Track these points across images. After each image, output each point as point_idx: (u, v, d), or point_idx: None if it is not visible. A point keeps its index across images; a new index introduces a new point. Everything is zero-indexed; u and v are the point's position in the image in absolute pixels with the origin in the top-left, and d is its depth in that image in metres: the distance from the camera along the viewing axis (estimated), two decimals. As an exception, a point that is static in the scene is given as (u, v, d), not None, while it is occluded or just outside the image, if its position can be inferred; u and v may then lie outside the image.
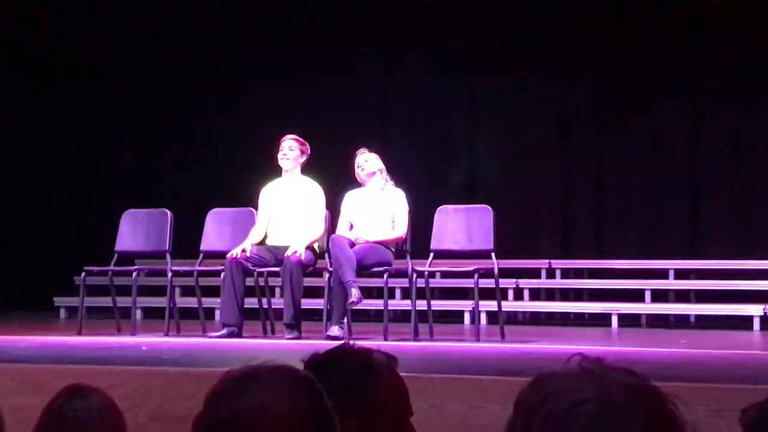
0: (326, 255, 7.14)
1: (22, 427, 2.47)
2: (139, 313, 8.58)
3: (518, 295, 9.60)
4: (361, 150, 7.33)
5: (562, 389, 1.02)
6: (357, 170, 7.30)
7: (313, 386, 1.41)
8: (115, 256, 7.74)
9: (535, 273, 9.86)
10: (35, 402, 2.42)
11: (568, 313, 9.63)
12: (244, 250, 7.13)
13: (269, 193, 7.47)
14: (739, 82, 9.65)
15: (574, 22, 10.07)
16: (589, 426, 0.99)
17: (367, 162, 7.26)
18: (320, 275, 7.49)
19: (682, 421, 1.02)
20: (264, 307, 7.50)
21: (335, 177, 7.64)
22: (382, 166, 7.31)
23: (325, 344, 6.48)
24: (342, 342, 2.09)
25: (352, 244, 7.01)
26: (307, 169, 7.47)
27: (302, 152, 7.39)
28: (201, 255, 7.67)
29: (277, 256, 7.17)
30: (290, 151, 7.36)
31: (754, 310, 8.54)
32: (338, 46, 10.60)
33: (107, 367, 4.63)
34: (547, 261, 9.83)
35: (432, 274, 7.61)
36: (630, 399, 1.01)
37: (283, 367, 1.43)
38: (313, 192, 7.36)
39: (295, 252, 7.00)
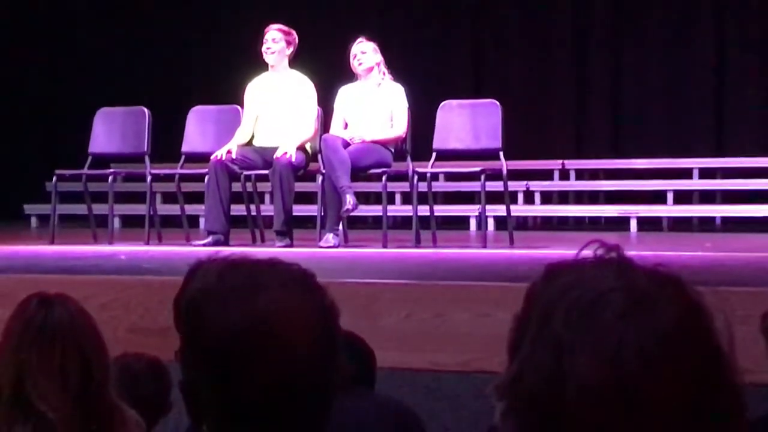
0: (319, 156, 7.10)
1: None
2: (116, 221, 8.59)
3: (528, 198, 9.59)
4: (359, 39, 7.22)
5: (584, 279, 1.00)
6: (353, 61, 7.20)
7: (313, 281, 1.39)
8: (89, 158, 7.69)
9: (547, 174, 9.84)
10: (2, 314, 2.41)
11: (583, 218, 9.64)
12: (229, 152, 7.07)
13: (255, 90, 7.38)
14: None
15: None
16: (620, 316, 0.97)
17: (365, 54, 7.16)
18: (313, 179, 7.47)
19: (711, 314, 1.01)
20: (252, 213, 7.49)
21: (328, 69, 7.56)
22: (380, 58, 7.21)
23: (319, 252, 6.51)
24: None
25: (347, 145, 6.97)
26: (295, 61, 7.35)
27: (288, 43, 7.25)
28: (182, 157, 7.62)
29: (265, 158, 7.12)
30: (274, 43, 7.22)
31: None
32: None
33: (82, 277, 4.63)
34: (560, 161, 9.80)
35: (435, 177, 7.59)
36: (660, 289, 1.00)
37: (277, 263, 1.39)
38: (304, 87, 7.27)
39: (285, 153, 6.95)
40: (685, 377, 0.97)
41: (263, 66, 7.35)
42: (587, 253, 1.04)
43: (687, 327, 0.99)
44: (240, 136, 7.28)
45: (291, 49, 7.27)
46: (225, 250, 1.47)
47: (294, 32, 7.28)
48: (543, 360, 0.99)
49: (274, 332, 1.31)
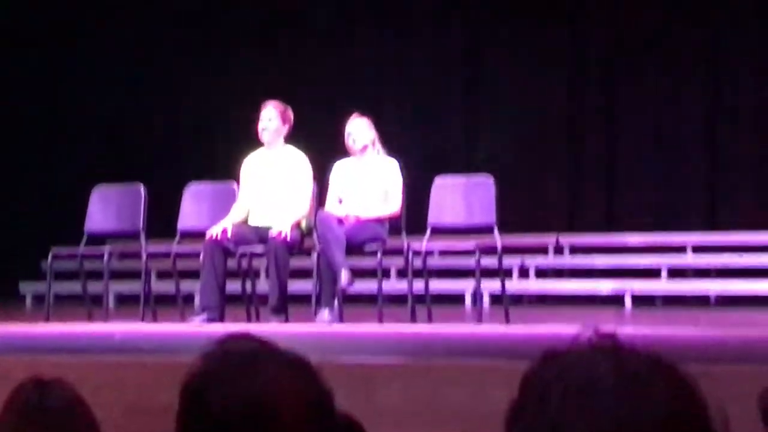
0: (313, 233, 7.11)
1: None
2: (111, 299, 8.56)
3: (523, 273, 9.59)
4: (353, 116, 7.27)
5: (579, 364, 1.02)
6: (347, 139, 7.24)
7: (311, 368, 1.39)
8: (85, 237, 7.70)
9: (541, 249, 9.86)
10: (-3, 395, 2.40)
11: (578, 294, 9.64)
12: (225, 230, 7.07)
13: (250, 166, 7.40)
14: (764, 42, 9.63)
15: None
16: (615, 400, 0.98)
17: (359, 132, 7.19)
18: (308, 254, 7.47)
19: (705, 398, 1.02)
20: (247, 290, 7.47)
21: (322, 145, 7.59)
22: (374, 134, 7.25)
23: (315, 330, 6.48)
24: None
25: (341, 222, 6.98)
26: (291, 137, 7.38)
27: (284, 121, 7.27)
28: (178, 235, 7.62)
29: (260, 235, 7.13)
30: (269, 122, 7.22)
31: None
32: (324, 2, 10.55)
33: (77, 358, 4.61)
34: (555, 236, 9.83)
35: (430, 252, 7.60)
36: (652, 374, 1.01)
37: (271, 346, 1.40)
38: (299, 164, 7.28)
39: (280, 233, 6.96)
40: None
41: (259, 141, 7.36)
42: (583, 337, 1.06)
43: (680, 412, 1.00)
44: (236, 214, 7.29)
45: (287, 126, 7.30)
46: (234, 333, 1.47)
47: (289, 109, 7.31)
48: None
49: (269, 416, 1.31)
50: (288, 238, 6.96)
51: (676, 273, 9.35)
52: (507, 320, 6.91)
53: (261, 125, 7.25)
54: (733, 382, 3.33)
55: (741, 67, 9.81)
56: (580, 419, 0.98)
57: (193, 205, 7.69)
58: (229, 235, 7.06)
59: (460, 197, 7.29)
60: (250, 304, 7.45)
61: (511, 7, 10.25)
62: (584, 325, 1.06)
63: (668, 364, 1.04)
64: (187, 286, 7.92)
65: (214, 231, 7.06)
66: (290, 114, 7.30)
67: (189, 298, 8.11)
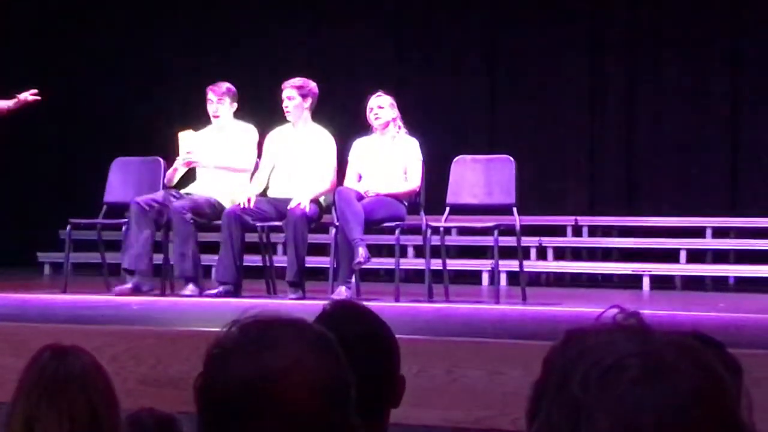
0: (332, 209, 7.11)
1: (1, 388, 2.46)
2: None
3: (541, 254, 9.57)
4: (377, 93, 7.25)
5: (601, 345, 1.00)
6: (369, 115, 7.22)
7: (332, 343, 1.38)
8: (104, 207, 7.72)
9: (560, 230, 9.83)
10: (16, 363, 2.41)
11: (596, 275, 9.60)
12: (249, 199, 7.09)
13: (274, 141, 7.41)
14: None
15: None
16: (638, 382, 0.97)
17: (382, 109, 7.17)
18: (326, 230, 7.47)
19: (731, 383, 1.00)
20: (266, 264, 7.49)
21: (342, 121, 7.58)
22: (396, 113, 7.24)
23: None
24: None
25: (361, 198, 6.98)
26: (317, 113, 7.38)
27: (304, 97, 7.28)
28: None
29: (278, 209, 7.14)
30: (290, 101, 7.26)
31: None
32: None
33: (94, 327, 4.62)
34: (573, 217, 9.79)
35: (448, 231, 7.59)
36: (678, 356, 0.99)
37: (299, 321, 1.39)
38: (324, 142, 7.28)
39: (299, 204, 6.97)
40: None
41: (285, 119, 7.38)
42: (606, 318, 1.04)
43: (704, 395, 0.98)
44: (256, 185, 7.32)
45: (309, 101, 7.29)
46: (260, 305, 1.48)
47: (308, 83, 7.31)
48: (560, 424, 0.98)
49: (279, 390, 1.31)
50: (307, 210, 6.96)
51: (695, 256, 9.31)
52: (524, 300, 6.90)
53: (284, 106, 7.28)
54: (753, 366, 3.31)
55: (766, 46, 9.72)
56: (603, 400, 0.97)
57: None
58: (252, 204, 7.08)
59: (480, 176, 7.27)
60: (268, 278, 7.47)
61: (527, 4, 10.18)
62: (609, 307, 1.05)
63: (692, 348, 1.02)
64: (206, 259, 7.91)
65: (240, 200, 7.08)
66: (310, 88, 7.29)
67: (207, 270, 8.11)
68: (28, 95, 7.34)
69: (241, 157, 7.45)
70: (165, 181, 7.50)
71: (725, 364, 1.01)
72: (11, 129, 7.81)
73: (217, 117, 7.48)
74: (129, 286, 7.07)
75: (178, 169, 7.49)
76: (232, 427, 1.31)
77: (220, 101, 7.45)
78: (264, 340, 1.34)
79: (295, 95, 7.26)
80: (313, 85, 7.32)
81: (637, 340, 1.01)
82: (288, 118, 7.33)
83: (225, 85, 7.51)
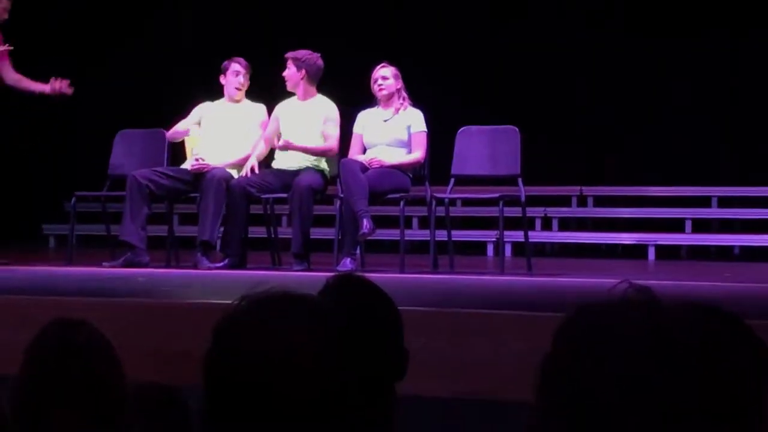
0: (337, 180, 7.10)
1: (6, 361, 2.46)
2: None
3: (546, 224, 9.57)
4: (382, 64, 7.23)
5: (612, 321, 1.00)
6: (374, 85, 7.20)
7: (341, 319, 1.38)
8: (108, 179, 7.72)
9: (565, 201, 9.82)
10: (21, 336, 2.40)
11: (601, 245, 9.60)
12: (252, 168, 7.13)
13: (281, 113, 7.40)
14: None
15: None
16: (648, 356, 0.96)
17: (387, 80, 7.15)
18: (330, 202, 7.47)
19: (743, 357, 0.99)
20: (271, 236, 7.48)
21: (346, 92, 7.55)
22: (401, 84, 7.22)
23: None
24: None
25: (365, 169, 6.96)
26: (322, 83, 7.36)
27: (299, 67, 7.26)
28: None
29: (283, 180, 7.13)
30: (288, 71, 7.27)
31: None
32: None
33: (99, 299, 4.62)
34: (579, 187, 9.78)
35: (453, 202, 7.58)
36: (687, 330, 0.99)
37: (308, 297, 1.39)
38: (328, 113, 7.26)
39: (288, 141, 7.02)
40: (713, 420, 0.96)
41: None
42: (617, 292, 1.04)
43: (715, 369, 0.98)
44: (259, 152, 7.32)
45: (304, 72, 7.24)
46: (270, 281, 1.49)
47: (304, 54, 7.26)
48: (570, 398, 0.98)
49: (287, 366, 1.31)
50: (312, 183, 6.97)
51: (700, 225, 9.30)
52: (529, 270, 6.90)
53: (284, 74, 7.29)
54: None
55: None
56: (613, 373, 0.96)
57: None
58: (257, 170, 7.11)
59: (485, 147, 7.25)
60: (273, 250, 7.47)
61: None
62: (619, 282, 1.04)
63: (704, 319, 1.01)
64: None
65: (243, 172, 7.09)
66: (306, 59, 7.23)
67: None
68: (65, 85, 7.33)
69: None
70: (167, 135, 7.49)
71: (749, 344, 1.00)
72: (16, 100, 7.79)
73: (240, 90, 7.45)
74: (120, 261, 7.09)
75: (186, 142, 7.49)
76: (240, 402, 1.31)
77: (246, 75, 7.43)
78: (274, 316, 1.34)
79: (290, 66, 7.26)
80: (312, 56, 7.28)
81: (647, 317, 1.00)
82: (294, 92, 7.32)
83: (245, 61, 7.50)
